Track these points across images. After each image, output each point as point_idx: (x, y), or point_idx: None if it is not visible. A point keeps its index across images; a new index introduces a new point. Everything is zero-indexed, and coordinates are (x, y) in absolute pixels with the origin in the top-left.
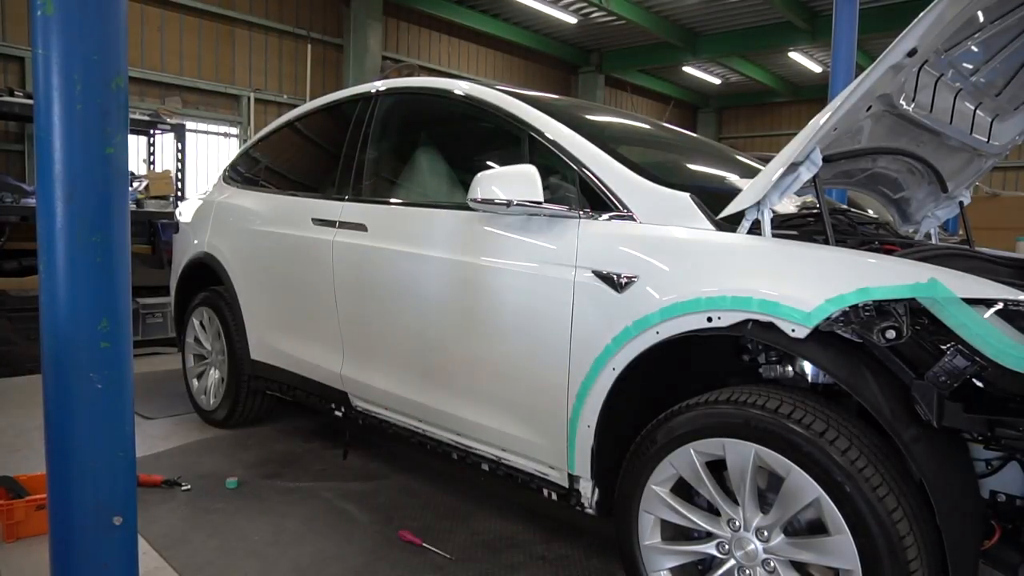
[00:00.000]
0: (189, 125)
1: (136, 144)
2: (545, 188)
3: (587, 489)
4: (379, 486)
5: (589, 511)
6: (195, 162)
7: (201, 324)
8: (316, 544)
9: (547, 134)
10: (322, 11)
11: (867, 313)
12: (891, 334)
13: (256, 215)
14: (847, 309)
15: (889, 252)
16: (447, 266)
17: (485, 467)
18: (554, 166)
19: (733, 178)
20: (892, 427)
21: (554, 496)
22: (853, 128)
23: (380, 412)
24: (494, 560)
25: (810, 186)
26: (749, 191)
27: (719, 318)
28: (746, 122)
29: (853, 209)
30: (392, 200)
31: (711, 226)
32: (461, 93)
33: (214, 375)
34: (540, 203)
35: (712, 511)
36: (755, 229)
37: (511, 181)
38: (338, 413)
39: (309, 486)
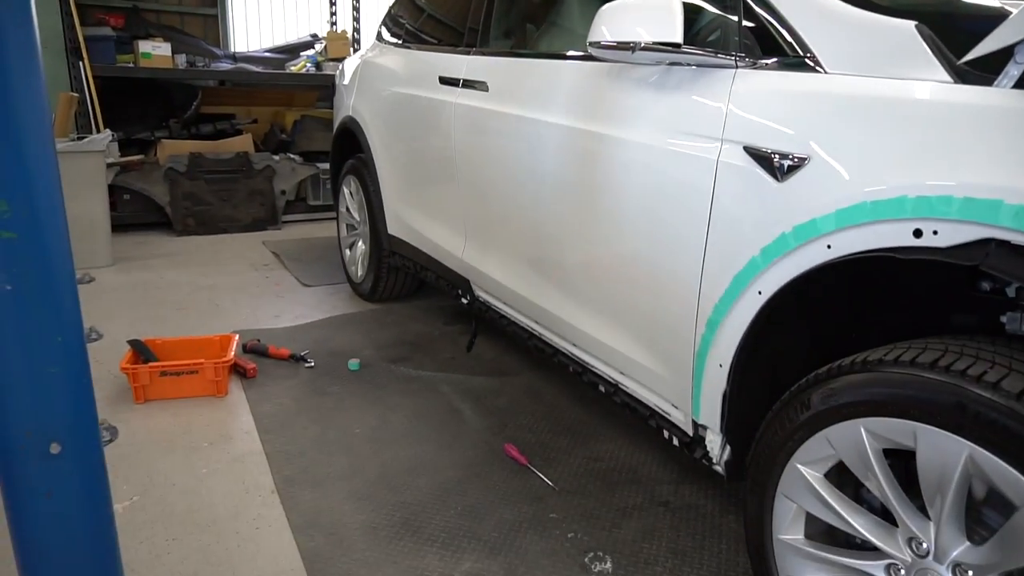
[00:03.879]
0: None
1: (320, 2)
2: (700, 28)
3: (715, 444)
4: (503, 384)
5: (717, 469)
6: (376, 20)
7: (350, 193)
8: (414, 447)
9: None
10: None
11: None
12: None
13: (392, 75)
14: None
15: None
16: (564, 135)
17: (602, 388)
18: None
19: None
20: None
21: (675, 441)
22: None
23: (499, 307)
24: (605, 498)
25: None
26: (1020, 18)
27: (936, 232)
28: None
29: None
30: (517, 52)
31: (948, 76)
32: None
33: (361, 247)
34: (677, 46)
35: (885, 516)
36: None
37: (641, 15)
38: (464, 300)
39: (431, 376)
